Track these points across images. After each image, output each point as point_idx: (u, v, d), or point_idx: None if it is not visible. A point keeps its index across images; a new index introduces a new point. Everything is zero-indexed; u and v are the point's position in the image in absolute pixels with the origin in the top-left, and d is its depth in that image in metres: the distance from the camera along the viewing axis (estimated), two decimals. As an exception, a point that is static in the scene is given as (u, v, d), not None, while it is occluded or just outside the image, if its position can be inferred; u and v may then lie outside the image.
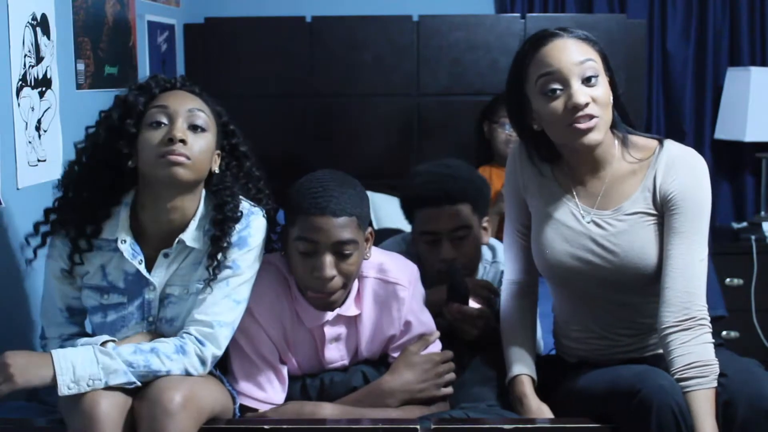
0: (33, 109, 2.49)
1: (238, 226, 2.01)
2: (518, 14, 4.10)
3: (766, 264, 3.94)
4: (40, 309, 2.11)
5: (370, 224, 2.10)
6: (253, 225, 2.03)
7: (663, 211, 2.04)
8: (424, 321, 2.18)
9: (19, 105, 2.40)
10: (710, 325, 1.98)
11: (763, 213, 4.14)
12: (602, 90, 2.00)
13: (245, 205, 2.05)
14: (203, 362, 1.95)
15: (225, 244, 1.99)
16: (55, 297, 2.04)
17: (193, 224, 1.99)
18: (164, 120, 1.95)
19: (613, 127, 2.07)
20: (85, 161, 2.02)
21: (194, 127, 1.97)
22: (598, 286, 2.08)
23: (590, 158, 2.08)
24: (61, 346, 2.02)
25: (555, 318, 2.25)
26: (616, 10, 4.22)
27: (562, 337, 2.23)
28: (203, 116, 1.99)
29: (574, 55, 2.00)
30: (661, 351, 2.05)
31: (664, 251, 2.02)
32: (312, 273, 1.98)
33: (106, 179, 2.00)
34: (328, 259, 1.97)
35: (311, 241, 1.97)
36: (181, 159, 1.91)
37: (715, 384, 1.92)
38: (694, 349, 1.94)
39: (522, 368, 2.14)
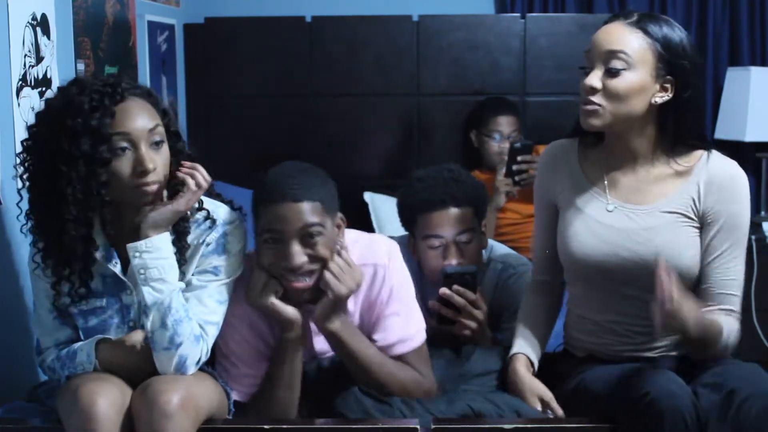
0: (33, 109, 2.49)
1: (214, 234, 2.01)
2: (518, 14, 4.10)
3: (766, 264, 3.93)
4: (33, 318, 2.11)
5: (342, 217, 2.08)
6: (230, 233, 2.03)
7: (702, 222, 2.07)
8: (402, 294, 2.12)
9: (19, 105, 2.41)
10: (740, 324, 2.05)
11: (763, 213, 4.14)
12: (621, 83, 2.00)
13: (220, 213, 2.05)
14: (197, 362, 1.96)
15: (184, 243, 2.00)
16: (42, 297, 2.04)
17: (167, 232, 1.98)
18: (127, 146, 1.91)
19: (663, 129, 2.05)
20: (61, 198, 1.90)
21: (155, 144, 1.95)
22: (622, 282, 2.08)
23: (623, 147, 2.08)
24: (57, 356, 2.02)
25: (569, 310, 2.25)
26: (616, 10, 4.21)
27: (573, 330, 2.22)
28: (160, 129, 1.97)
29: (607, 43, 2.02)
30: (672, 353, 2.08)
31: (703, 267, 2.06)
32: (281, 263, 1.97)
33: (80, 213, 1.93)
34: (296, 247, 1.95)
35: (274, 231, 1.96)
36: (156, 187, 1.92)
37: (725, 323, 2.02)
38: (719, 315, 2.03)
39: (521, 348, 2.18)
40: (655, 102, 2.03)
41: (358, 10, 4.13)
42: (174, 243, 1.99)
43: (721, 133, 4.16)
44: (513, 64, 4.03)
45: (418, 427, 1.94)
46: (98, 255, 1.97)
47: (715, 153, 2.10)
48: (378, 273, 2.09)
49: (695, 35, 4.23)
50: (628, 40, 2.01)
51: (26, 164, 1.97)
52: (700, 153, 2.09)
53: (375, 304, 2.09)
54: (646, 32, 2.02)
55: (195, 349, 1.93)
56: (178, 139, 2.04)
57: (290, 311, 2.01)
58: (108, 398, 1.83)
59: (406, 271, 2.16)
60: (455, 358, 2.28)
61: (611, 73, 2.00)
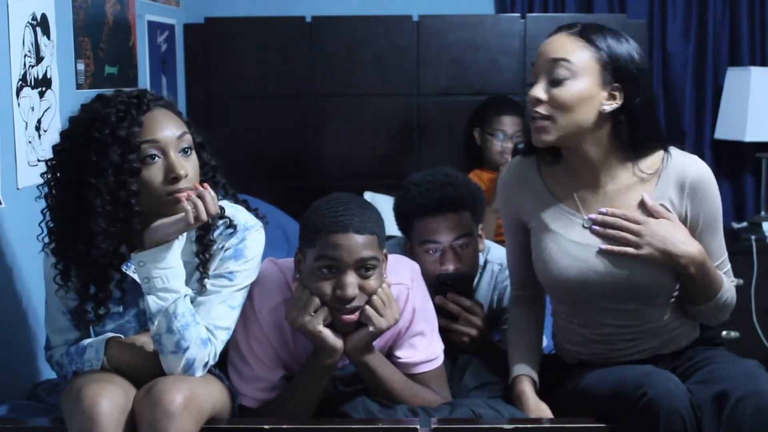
0: (33, 109, 2.49)
1: (233, 240, 2.01)
2: (518, 14, 4.10)
3: (766, 264, 3.93)
4: (44, 317, 2.11)
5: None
6: (249, 238, 2.03)
7: (682, 222, 2.07)
8: (427, 314, 2.16)
9: (19, 105, 2.40)
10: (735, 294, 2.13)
11: (763, 213, 4.13)
12: (566, 92, 1.98)
13: (241, 219, 2.05)
14: (205, 365, 1.96)
15: (207, 256, 1.99)
16: (57, 301, 2.04)
17: (183, 238, 1.98)
18: (157, 153, 1.91)
19: (618, 136, 2.03)
20: (92, 211, 1.89)
21: (184, 151, 1.95)
22: (605, 297, 2.07)
23: (580, 161, 2.07)
24: (66, 352, 2.03)
25: (554, 321, 2.25)
26: (616, 10, 4.22)
27: (561, 341, 2.22)
28: (188, 137, 1.97)
29: (551, 52, 2.01)
30: (662, 352, 2.09)
31: None
32: (334, 293, 1.96)
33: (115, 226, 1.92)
34: (351, 278, 1.95)
35: (334, 259, 1.94)
36: (189, 194, 1.90)
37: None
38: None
39: (523, 369, 2.15)
40: (604, 110, 2.01)
41: (358, 10, 4.13)
42: (197, 254, 2.00)
43: (721, 133, 4.16)
44: (513, 64, 4.03)
45: (419, 427, 1.94)
46: (123, 268, 1.98)
47: (674, 152, 2.09)
48: (401, 293, 2.10)
49: (695, 35, 4.24)
50: (570, 49, 2.00)
51: (52, 183, 1.96)
52: (661, 154, 2.07)
53: (398, 324, 2.08)
54: (588, 40, 2.01)
55: (203, 353, 1.93)
56: (204, 150, 2.05)
57: (337, 341, 2.00)
58: (111, 399, 1.83)
59: (427, 292, 2.18)
60: (451, 368, 2.27)
61: (555, 82, 1.99)
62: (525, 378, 2.14)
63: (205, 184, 1.94)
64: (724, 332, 3.89)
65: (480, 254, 2.48)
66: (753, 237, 3.97)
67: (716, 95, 4.24)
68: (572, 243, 2.08)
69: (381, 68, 4.03)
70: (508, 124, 3.73)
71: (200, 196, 1.90)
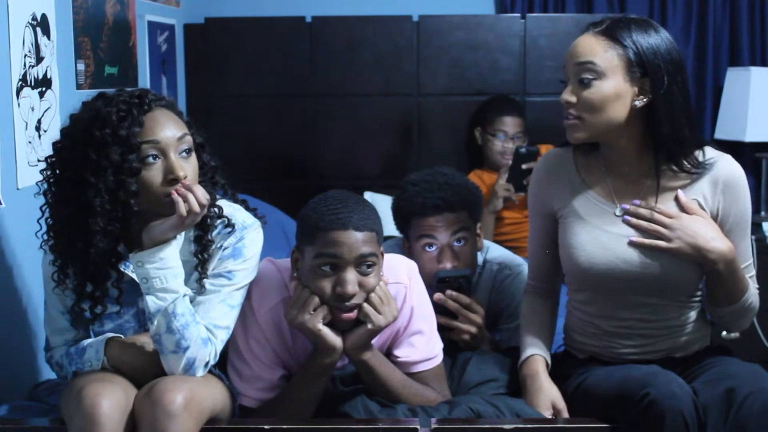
0: (33, 109, 2.49)
1: (232, 239, 2.01)
2: (518, 14, 4.10)
3: (766, 264, 3.92)
4: (44, 317, 2.11)
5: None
6: (247, 237, 2.03)
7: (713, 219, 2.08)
8: (425, 313, 2.16)
9: (19, 105, 2.40)
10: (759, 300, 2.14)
11: (763, 213, 4.14)
12: (594, 93, 2.01)
13: (239, 218, 2.05)
14: (206, 364, 1.96)
15: (206, 256, 1.99)
16: (56, 301, 2.04)
17: (181, 237, 1.98)
18: (157, 154, 1.91)
19: (658, 130, 2.02)
20: (92, 209, 1.88)
21: (184, 153, 1.95)
22: (629, 289, 2.08)
23: (621, 156, 2.09)
24: (66, 352, 2.03)
25: (569, 313, 2.25)
26: (616, 10, 4.21)
27: (574, 333, 2.22)
28: (188, 138, 1.97)
29: (576, 56, 2.04)
30: (673, 356, 2.09)
31: None
32: (335, 290, 1.96)
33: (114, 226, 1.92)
34: (351, 275, 1.95)
35: (334, 257, 1.94)
36: (177, 189, 1.90)
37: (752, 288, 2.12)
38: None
39: (536, 350, 2.17)
40: (635, 105, 2.02)
41: (358, 10, 4.13)
42: (196, 254, 2.00)
43: (721, 133, 4.16)
44: (513, 64, 4.03)
45: (418, 427, 1.94)
46: (122, 267, 1.98)
47: (709, 149, 2.10)
48: (399, 292, 2.10)
49: (695, 35, 4.24)
50: (595, 50, 2.02)
51: (51, 179, 1.96)
52: (696, 150, 2.08)
53: (396, 323, 2.08)
54: (613, 39, 2.02)
55: (203, 352, 1.93)
56: (203, 151, 2.05)
57: (336, 339, 2.00)
58: (112, 400, 1.83)
59: (425, 290, 2.18)
60: (451, 366, 2.27)
61: (583, 84, 2.02)
62: (539, 357, 2.15)
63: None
64: (724, 333, 3.88)
65: (479, 254, 2.48)
66: (753, 237, 3.96)
67: (716, 95, 4.24)
68: (603, 232, 2.09)
69: (381, 68, 4.04)
70: (510, 124, 3.73)
71: (188, 189, 1.90)
